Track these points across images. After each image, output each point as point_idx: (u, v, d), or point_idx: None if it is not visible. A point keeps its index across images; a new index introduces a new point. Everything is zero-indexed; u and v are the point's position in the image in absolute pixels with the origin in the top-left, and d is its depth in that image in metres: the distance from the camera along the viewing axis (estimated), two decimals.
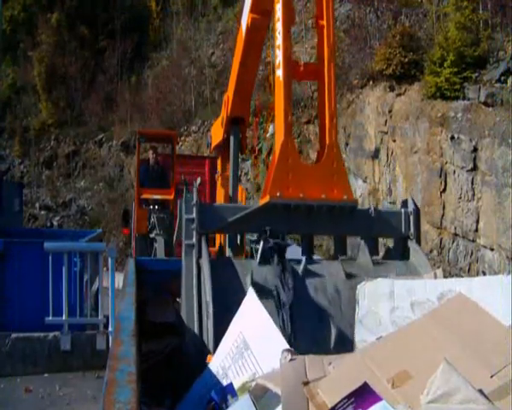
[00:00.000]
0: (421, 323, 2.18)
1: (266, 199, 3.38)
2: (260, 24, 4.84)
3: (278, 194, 3.33)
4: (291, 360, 2.21)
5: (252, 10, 4.71)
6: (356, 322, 2.67)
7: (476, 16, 11.00)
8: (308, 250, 3.60)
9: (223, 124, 5.89)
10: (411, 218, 3.57)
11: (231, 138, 5.88)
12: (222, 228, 3.54)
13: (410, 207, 3.61)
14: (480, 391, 1.71)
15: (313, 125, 15.60)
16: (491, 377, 1.80)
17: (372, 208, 3.57)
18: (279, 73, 3.61)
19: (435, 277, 2.84)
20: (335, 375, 2.06)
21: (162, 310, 4.12)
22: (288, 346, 2.34)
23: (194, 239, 3.35)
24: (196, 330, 3.08)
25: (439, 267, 9.87)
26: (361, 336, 2.59)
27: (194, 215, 3.36)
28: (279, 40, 3.67)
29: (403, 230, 3.58)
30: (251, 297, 2.75)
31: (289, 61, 3.66)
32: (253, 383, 2.23)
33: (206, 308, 3.04)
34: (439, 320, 2.12)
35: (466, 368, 1.78)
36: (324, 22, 3.84)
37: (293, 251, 4.64)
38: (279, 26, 3.70)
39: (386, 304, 2.57)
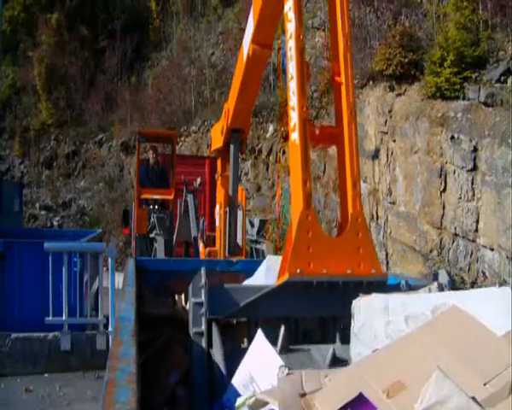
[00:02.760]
0: (416, 335, 2.19)
1: (285, 277, 3.02)
2: (261, 55, 4.77)
3: (298, 271, 2.98)
4: (288, 374, 2.22)
5: (253, 41, 4.63)
6: (351, 336, 2.67)
7: (476, 16, 11.00)
8: (334, 335, 3.14)
9: (222, 132, 5.89)
10: (446, 291, 3.23)
11: (231, 147, 5.88)
12: (235, 312, 3.12)
13: (444, 280, 3.35)
14: (473, 399, 1.73)
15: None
16: (485, 384, 1.82)
17: (403, 282, 3.27)
18: (294, 136, 3.26)
19: (429, 291, 2.85)
20: (331, 387, 2.08)
21: (159, 306, 4.11)
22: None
23: (203, 326, 2.99)
24: None
25: (439, 268, 9.85)
26: (356, 350, 2.60)
27: (202, 299, 3.00)
28: (293, 100, 3.31)
29: None
30: (259, 338, 2.71)
31: (306, 123, 3.28)
32: (253, 399, 2.25)
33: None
34: (432, 332, 2.14)
35: (459, 377, 1.81)
36: (342, 79, 3.46)
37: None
38: (293, 85, 3.33)
39: (380, 318, 2.56)
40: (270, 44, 4.84)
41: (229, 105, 5.58)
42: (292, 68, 3.36)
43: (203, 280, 3.01)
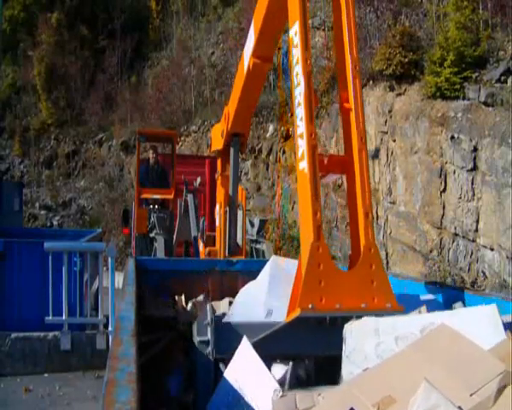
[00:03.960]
0: (405, 352, 2.25)
1: (296, 313, 2.85)
2: (261, 68, 4.77)
3: (310, 306, 2.83)
4: (282, 396, 2.26)
5: (253, 54, 4.61)
6: (343, 358, 2.67)
7: (476, 16, 11.00)
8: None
9: (223, 135, 5.89)
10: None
11: (231, 150, 5.88)
12: None
13: None
14: (460, 408, 1.78)
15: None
16: (471, 395, 1.87)
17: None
18: (303, 165, 3.10)
19: (419, 313, 2.89)
20: (324, 404, 2.14)
21: (160, 307, 4.09)
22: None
23: (210, 367, 2.89)
24: None
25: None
26: (348, 370, 2.62)
27: (208, 337, 2.88)
28: (301, 128, 3.14)
29: None
30: (245, 345, 2.68)
31: (315, 151, 3.12)
32: None
33: None
34: (422, 348, 2.19)
35: (447, 388, 1.86)
36: (352, 106, 3.30)
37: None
38: (300, 112, 3.16)
39: (371, 340, 2.58)
40: (271, 58, 4.81)
41: (230, 109, 5.57)
42: (299, 95, 3.20)
43: (209, 317, 2.87)
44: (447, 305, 3.52)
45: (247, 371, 2.56)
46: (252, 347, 2.64)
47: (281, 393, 2.26)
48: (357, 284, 2.97)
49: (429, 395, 1.79)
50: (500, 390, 1.82)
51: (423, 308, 2.94)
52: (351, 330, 2.68)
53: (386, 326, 2.59)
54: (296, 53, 3.25)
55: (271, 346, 2.90)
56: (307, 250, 2.95)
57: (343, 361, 2.66)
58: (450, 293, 3.70)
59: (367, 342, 2.59)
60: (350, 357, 2.62)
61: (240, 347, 2.71)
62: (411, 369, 2.06)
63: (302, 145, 3.14)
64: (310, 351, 2.99)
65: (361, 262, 3.05)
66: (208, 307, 2.95)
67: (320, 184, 3.14)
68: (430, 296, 3.56)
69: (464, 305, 3.34)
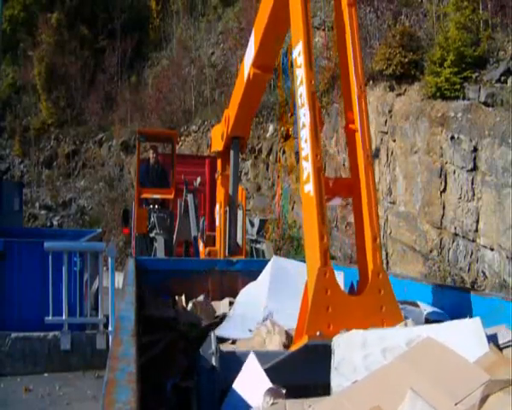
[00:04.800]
0: (392, 365, 2.29)
1: (304, 341, 2.78)
2: (262, 78, 4.73)
3: (318, 333, 2.76)
4: (272, 404, 2.27)
5: (254, 64, 4.56)
6: (332, 369, 2.66)
7: (476, 16, 11.00)
8: None
9: (223, 138, 5.89)
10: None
11: (231, 151, 5.88)
12: None
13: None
14: None
15: None
16: (456, 404, 1.93)
17: None
18: (309, 188, 3.02)
19: (406, 325, 2.90)
20: None
21: (160, 307, 4.09)
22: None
23: (215, 397, 2.79)
24: None
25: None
26: (337, 382, 2.62)
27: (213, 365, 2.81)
28: (306, 150, 3.05)
29: None
30: (251, 362, 2.65)
31: (320, 173, 3.04)
32: None
33: None
34: (408, 360, 2.25)
35: (432, 398, 1.92)
36: (357, 127, 3.23)
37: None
38: (305, 134, 3.08)
39: (359, 352, 2.59)
40: (272, 68, 4.77)
41: (230, 113, 5.55)
42: (304, 116, 3.11)
43: (213, 347, 2.79)
44: (448, 307, 3.52)
45: (252, 387, 2.54)
46: (258, 362, 2.59)
47: (272, 400, 2.27)
48: (366, 310, 2.91)
49: (415, 404, 1.85)
50: (484, 399, 1.90)
51: (409, 321, 2.96)
52: (339, 342, 2.69)
53: (374, 338, 2.61)
54: (300, 73, 3.17)
55: (279, 375, 2.75)
56: (314, 276, 2.87)
57: (332, 373, 2.64)
58: (450, 293, 3.70)
59: (355, 354, 2.61)
60: (339, 369, 2.62)
61: (246, 363, 2.66)
62: (399, 380, 2.11)
63: (307, 167, 3.04)
64: (318, 379, 2.86)
65: (369, 288, 3.00)
66: (212, 336, 2.85)
67: (326, 207, 3.06)
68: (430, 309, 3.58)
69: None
